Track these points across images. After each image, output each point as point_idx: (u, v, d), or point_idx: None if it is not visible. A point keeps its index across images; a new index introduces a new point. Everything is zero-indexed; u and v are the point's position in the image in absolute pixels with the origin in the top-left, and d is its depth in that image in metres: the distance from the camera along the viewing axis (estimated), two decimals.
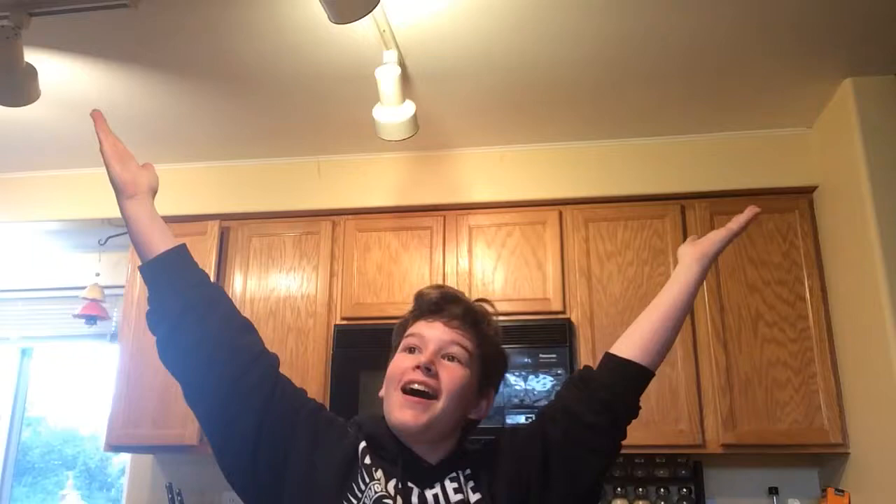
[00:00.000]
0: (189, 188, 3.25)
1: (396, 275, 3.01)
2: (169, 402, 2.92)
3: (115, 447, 3.02)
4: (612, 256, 2.91)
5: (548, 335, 2.78)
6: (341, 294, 3.02)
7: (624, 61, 2.48)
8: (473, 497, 1.03)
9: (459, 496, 1.02)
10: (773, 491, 2.81)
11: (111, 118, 3.14)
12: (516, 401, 2.70)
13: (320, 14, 2.00)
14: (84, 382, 3.85)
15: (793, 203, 2.88)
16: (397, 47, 2.36)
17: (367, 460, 1.04)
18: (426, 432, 1.04)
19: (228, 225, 3.21)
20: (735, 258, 2.84)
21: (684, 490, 2.82)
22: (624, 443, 2.75)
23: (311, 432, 1.05)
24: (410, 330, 1.14)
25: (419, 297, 1.18)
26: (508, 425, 2.67)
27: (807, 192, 2.89)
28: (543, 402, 2.66)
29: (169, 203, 3.24)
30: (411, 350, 1.11)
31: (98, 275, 3.41)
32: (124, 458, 3.48)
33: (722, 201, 2.93)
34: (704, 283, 2.79)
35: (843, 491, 2.61)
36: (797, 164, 2.89)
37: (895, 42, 2.37)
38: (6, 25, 2.05)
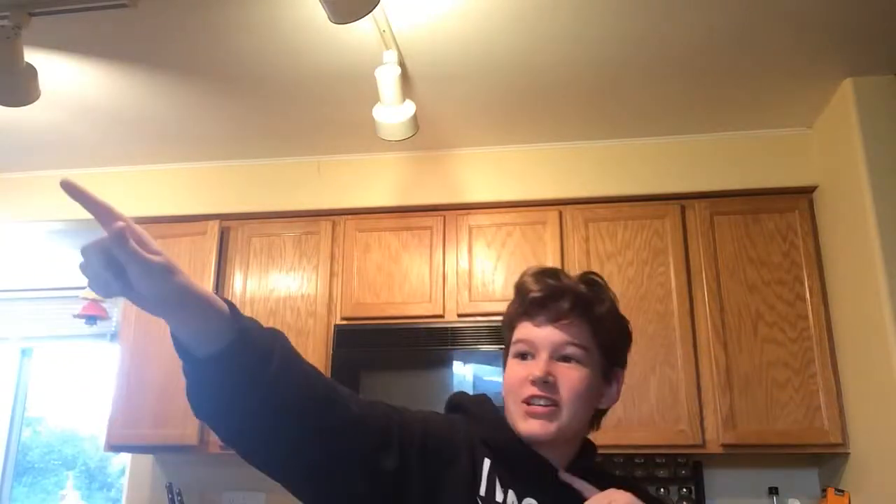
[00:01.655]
0: (189, 188, 3.26)
1: (396, 275, 3.01)
2: (169, 402, 2.92)
3: (115, 447, 3.02)
4: (612, 256, 2.91)
5: None
6: (341, 294, 3.02)
7: (624, 61, 2.48)
8: None
9: None
10: (773, 491, 2.81)
11: (112, 118, 3.15)
12: None
13: (320, 14, 2.00)
14: (84, 382, 3.85)
15: (793, 203, 2.88)
16: (397, 47, 2.36)
17: (495, 479, 0.98)
18: (557, 439, 1.00)
19: (228, 225, 3.21)
20: (735, 258, 2.84)
21: (684, 490, 2.82)
22: (624, 443, 2.75)
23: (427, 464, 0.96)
24: (518, 332, 1.05)
25: (520, 290, 1.06)
26: None
27: (807, 192, 2.89)
28: None
29: (169, 203, 3.25)
30: (523, 356, 1.03)
31: None
32: (124, 458, 3.48)
33: (722, 201, 2.92)
34: (704, 282, 2.81)
35: (843, 491, 2.61)
36: (797, 164, 2.89)
37: (895, 42, 2.37)
38: (6, 25, 2.05)
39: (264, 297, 3.07)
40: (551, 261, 2.92)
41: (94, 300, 3.34)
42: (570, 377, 1.01)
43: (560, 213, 3.00)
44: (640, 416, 2.69)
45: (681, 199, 2.95)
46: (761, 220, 2.88)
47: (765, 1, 2.16)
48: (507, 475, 0.99)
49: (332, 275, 3.06)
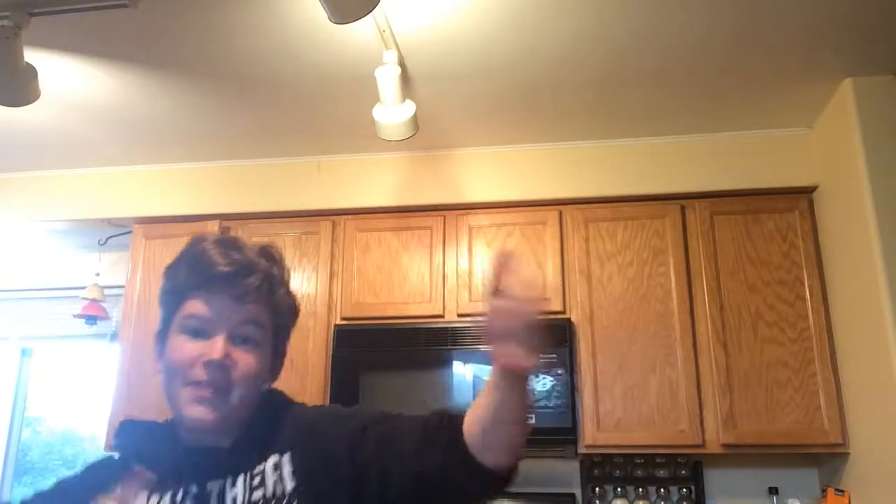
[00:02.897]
0: (189, 188, 3.25)
1: (396, 275, 3.01)
2: None
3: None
4: (612, 256, 2.91)
5: (548, 335, 2.77)
6: (341, 294, 3.02)
7: (624, 61, 2.48)
8: (290, 484, 0.93)
9: (259, 492, 0.93)
10: (773, 491, 2.81)
11: (112, 118, 3.15)
12: None
13: (320, 14, 2.00)
14: (84, 382, 3.85)
15: (793, 203, 2.88)
16: (397, 47, 2.36)
17: (136, 496, 0.94)
18: (223, 424, 0.95)
19: (228, 225, 3.20)
20: (735, 258, 2.84)
21: (684, 490, 2.82)
22: (624, 443, 2.75)
23: None
24: (191, 306, 0.96)
25: (201, 261, 0.96)
26: None
27: (807, 192, 2.89)
28: (543, 402, 2.66)
29: (169, 203, 3.25)
30: (195, 333, 0.95)
31: (98, 275, 3.41)
32: None
33: (722, 201, 2.93)
34: (704, 282, 2.81)
35: (843, 491, 2.61)
36: (797, 164, 2.89)
37: (895, 42, 2.37)
38: (6, 25, 2.05)
39: None
40: (551, 261, 2.92)
41: (94, 300, 3.34)
42: (246, 361, 0.96)
43: (560, 213, 3.00)
44: (640, 416, 2.69)
45: (681, 199, 2.95)
46: (761, 220, 2.88)
47: (765, 1, 2.16)
48: (154, 482, 0.96)
49: (331, 275, 3.06)
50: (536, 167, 3.06)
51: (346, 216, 3.14)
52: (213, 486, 0.94)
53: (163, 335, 1.01)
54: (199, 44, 2.38)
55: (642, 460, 2.86)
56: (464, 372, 2.79)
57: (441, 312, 2.93)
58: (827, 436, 2.61)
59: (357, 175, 3.16)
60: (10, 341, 3.74)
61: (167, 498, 0.94)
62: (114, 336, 3.41)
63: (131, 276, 3.17)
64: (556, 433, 2.63)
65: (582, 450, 2.69)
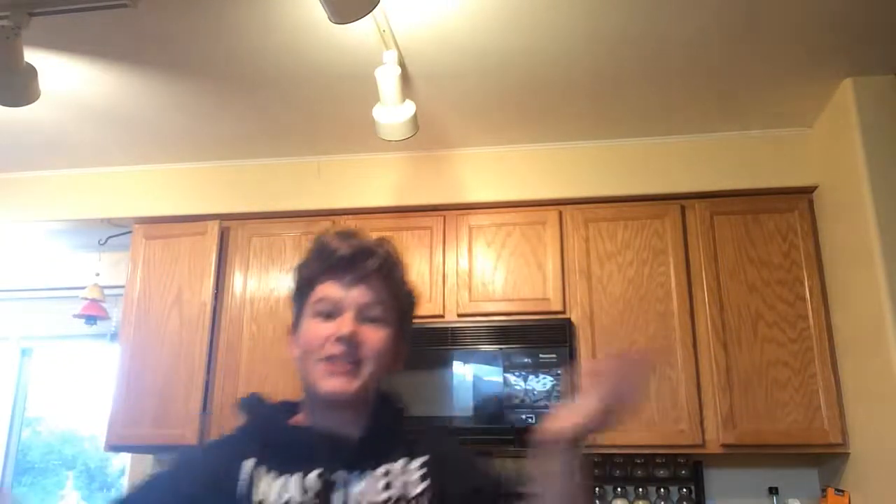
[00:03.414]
0: (189, 188, 3.26)
1: None
2: (169, 402, 2.92)
3: (114, 447, 3.02)
4: (612, 256, 2.91)
5: (548, 335, 2.78)
6: None
7: (624, 61, 2.48)
8: (420, 487, 0.99)
9: (387, 493, 0.98)
10: (773, 491, 2.81)
11: (112, 118, 3.14)
12: (516, 401, 2.70)
13: (320, 14, 2.00)
14: (84, 382, 3.85)
15: (793, 203, 2.88)
16: (397, 47, 2.36)
17: (262, 475, 0.98)
18: (358, 396, 1.01)
19: (228, 225, 3.20)
20: (735, 258, 2.84)
21: (684, 490, 2.82)
22: (624, 443, 2.75)
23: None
24: (321, 291, 1.03)
25: (323, 249, 1.05)
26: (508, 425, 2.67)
27: (807, 192, 2.89)
28: (543, 402, 2.67)
29: (169, 203, 3.25)
30: (326, 315, 1.02)
31: (98, 275, 3.41)
32: (124, 458, 3.48)
33: (722, 201, 2.93)
34: (704, 283, 2.82)
35: (843, 491, 2.61)
36: (797, 164, 2.89)
37: (895, 42, 2.37)
38: (6, 25, 2.05)
39: (264, 296, 3.07)
40: (551, 261, 2.92)
41: (94, 300, 3.34)
42: (375, 337, 1.02)
43: (560, 213, 3.00)
44: (640, 416, 2.69)
45: (681, 199, 2.95)
46: (761, 220, 2.88)
47: (765, 1, 2.16)
48: (280, 462, 0.98)
49: None
50: (536, 167, 3.06)
51: (346, 216, 3.14)
52: (339, 476, 0.98)
53: (296, 325, 1.07)
54: (200, 44, 2.38)
55: (642, 460, 2.86)
56: (464, 372, 2.79)
57: (441, 312, 2.93)
58: (827, 436, 2.61)
59: (357, 175, 3.16)
60: (10, 341, 3.74)
61: (294, 479, 0.97)
62: (114, 336, 3.41)
63: (131, 276, 3.17)
64: None
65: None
